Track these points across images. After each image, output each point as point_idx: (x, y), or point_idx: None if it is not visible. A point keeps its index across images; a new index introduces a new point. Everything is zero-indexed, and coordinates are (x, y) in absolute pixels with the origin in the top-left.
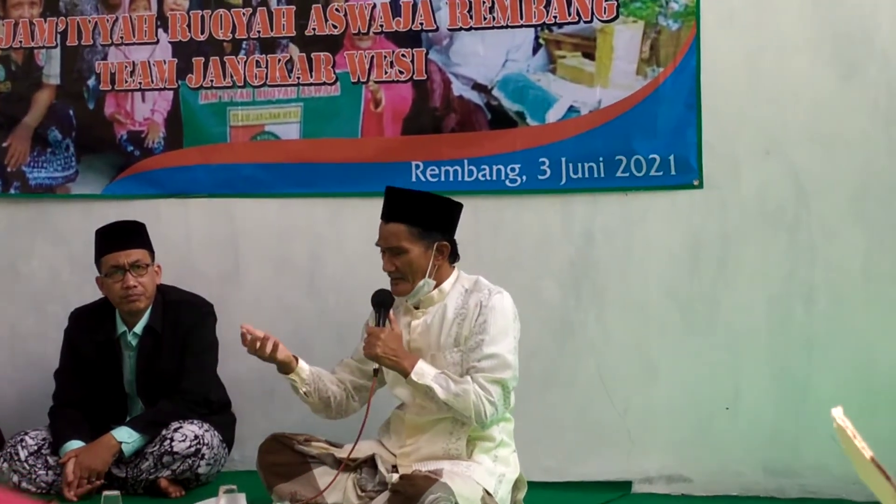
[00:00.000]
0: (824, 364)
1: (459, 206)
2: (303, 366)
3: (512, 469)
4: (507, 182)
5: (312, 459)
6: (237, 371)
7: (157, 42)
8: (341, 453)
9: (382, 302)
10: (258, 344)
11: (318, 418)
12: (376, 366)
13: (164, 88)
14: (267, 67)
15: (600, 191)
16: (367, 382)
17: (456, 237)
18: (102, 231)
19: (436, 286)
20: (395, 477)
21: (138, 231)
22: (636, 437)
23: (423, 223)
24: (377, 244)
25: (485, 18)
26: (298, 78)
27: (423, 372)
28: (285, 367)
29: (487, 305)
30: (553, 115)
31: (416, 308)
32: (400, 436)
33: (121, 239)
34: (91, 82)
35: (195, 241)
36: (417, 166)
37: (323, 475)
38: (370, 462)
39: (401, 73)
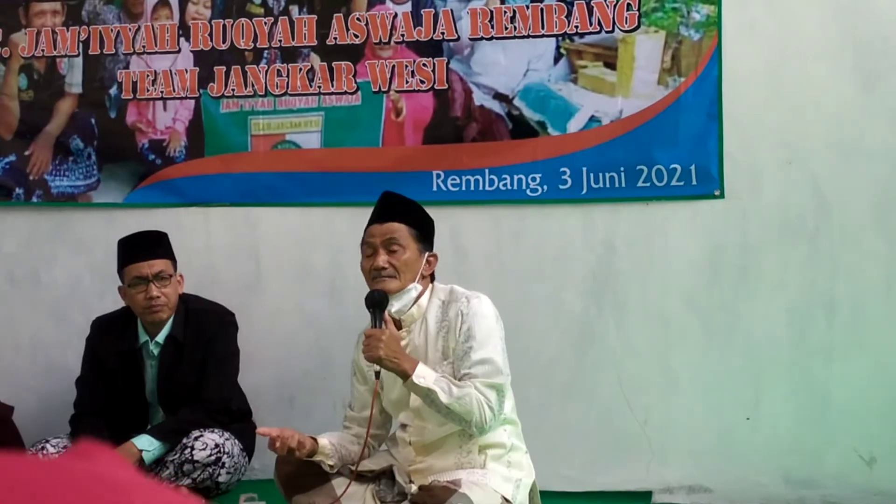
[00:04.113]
0: (845, 374)
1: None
2: (323, 443)
3: (527, 472)
4: (529, 192)
5: (330, 470)
6: (258, 379)
7: (179, 51)
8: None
9: (378, 302)
10: (278, 444)
11: (336, 427)
12: (378, 368)
13: (186, 97)
14: (288, 76)
15: (621, 200)
16: (377, 431)
17: (477, 246)
18: (125, 241)
19: (416, 299)
20: (414, 488)
21: (161, 241)
22: (656, 447)
23: (420, 228)
24: (366, 241)
25: (506, 28)
26: (319, 87)
27: (425, 374)
28: (309, 453)
29: (468, 312)
30: (574, 125)
31: (399, 328)
32: (408, 456)
33: (144, 249)
34: (113, 91)
35: (216, 249)
36: (438, 175)
37: (341, 486)
38: (388, 473)
39: (422, 82)
